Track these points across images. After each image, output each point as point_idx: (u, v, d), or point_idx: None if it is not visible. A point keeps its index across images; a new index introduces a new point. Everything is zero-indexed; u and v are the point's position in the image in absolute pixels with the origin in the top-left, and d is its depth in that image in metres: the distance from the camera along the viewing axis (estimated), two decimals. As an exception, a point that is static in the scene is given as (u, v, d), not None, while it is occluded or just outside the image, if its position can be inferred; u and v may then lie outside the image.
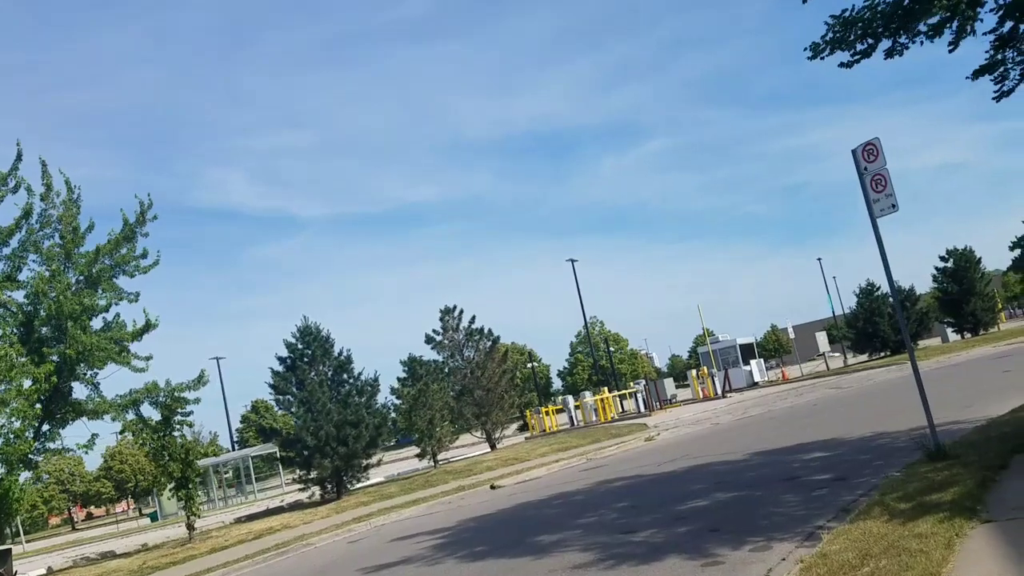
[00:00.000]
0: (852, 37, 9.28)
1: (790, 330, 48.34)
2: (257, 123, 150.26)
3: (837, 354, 56.68)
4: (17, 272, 19.13)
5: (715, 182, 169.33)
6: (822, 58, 9.58)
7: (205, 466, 43.69)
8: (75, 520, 71.32)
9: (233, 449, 57.22)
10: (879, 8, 8.88)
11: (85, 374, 19.17)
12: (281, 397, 24.82)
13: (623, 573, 7.47)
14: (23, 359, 17.79)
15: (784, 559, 6.71)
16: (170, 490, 22.20)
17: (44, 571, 21.48)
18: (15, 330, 18.76)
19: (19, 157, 19.06)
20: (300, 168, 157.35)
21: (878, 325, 45.84)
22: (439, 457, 28.43)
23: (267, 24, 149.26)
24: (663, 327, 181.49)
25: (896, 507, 7.12)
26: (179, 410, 19.87)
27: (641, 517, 10.22)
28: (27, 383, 17.57)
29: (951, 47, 8.62)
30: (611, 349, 74.36)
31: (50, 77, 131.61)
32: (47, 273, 18.97)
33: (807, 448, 13.53)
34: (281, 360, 24.48)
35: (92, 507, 75.74)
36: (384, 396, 28.53)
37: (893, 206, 9.60)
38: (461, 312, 31.62)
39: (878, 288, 47.52)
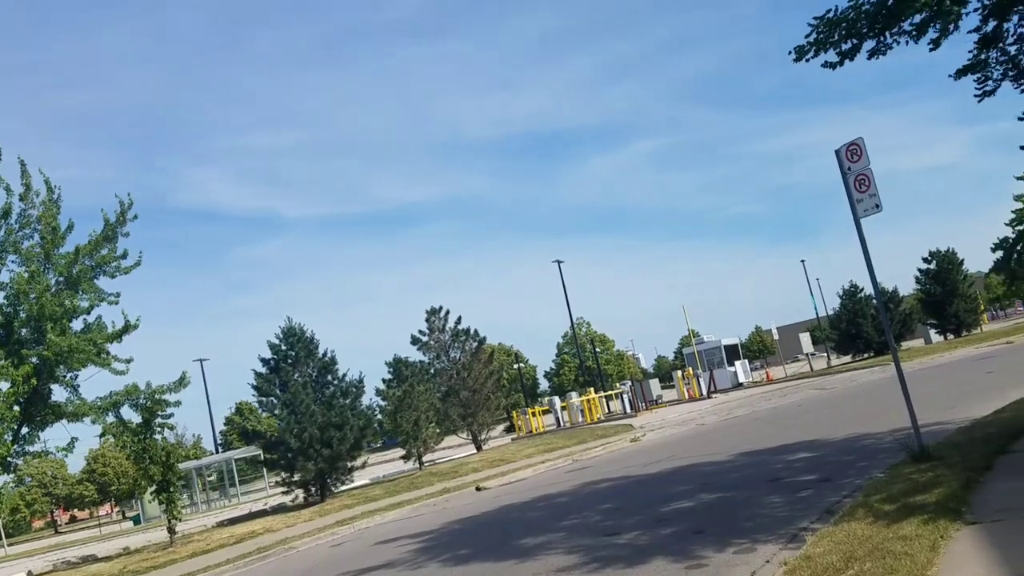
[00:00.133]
0: (836, 37, 9.26)
1: (774, 331, 48.63)
2: (253, 123, 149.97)
3: (821, 355, 56.99)
4: (-4, 272, 18.85)
5: (704, 183, 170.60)
6: (807, 60, 9.55)
7: (188, 469, 43.37)
8: (58, 523, 70.65)
9: (217, 452, 56.78)
10: (863, 8, 8.86)
11: (64, 376, 18.91)
12: (264, 399, 24.58)
13: (607, 576, 7.40)
14: (1, 361, 17.54)
15: (768, 561, 6.66)
16: (151, 493, 21.92)
17: (24, 575, 21.21)
18: (-7, 332, 18.48)
19: (-3, 156, 18.78)
20: (290, 167, 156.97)
21: (861, 326, 46.11)
22: (425, 459, 28.27)
23: (264, 23, 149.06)
24: (649, 328, 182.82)
25: (880, 509, 7.08)
26: (160, 412, 19.62)
27: (626, 519, 10.16)
28: (5, 385, 17.31)
29: (932, 46, 8.61)
30: (597, 350, 74.43)
31: (43, 77, 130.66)
32: (26, 274, 18.70)
33: (792, 449, 13.53)
34: (264, 361, 24.25)
35: (75, 510, 74.96)
36: (370, 398, 28.39)
37: (877, 206, 9.59)
38: (447, 313, 31.52)
39: (861, 290, 47.83)
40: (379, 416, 28.97)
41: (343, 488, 24.86)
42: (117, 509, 68.44)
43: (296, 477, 23.53)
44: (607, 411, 39.73)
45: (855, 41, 9.24)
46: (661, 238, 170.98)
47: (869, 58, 9.36)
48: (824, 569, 5.69)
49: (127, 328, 19.38)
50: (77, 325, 19.31)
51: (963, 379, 21.30)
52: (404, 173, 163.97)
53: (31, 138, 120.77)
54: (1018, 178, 20.35)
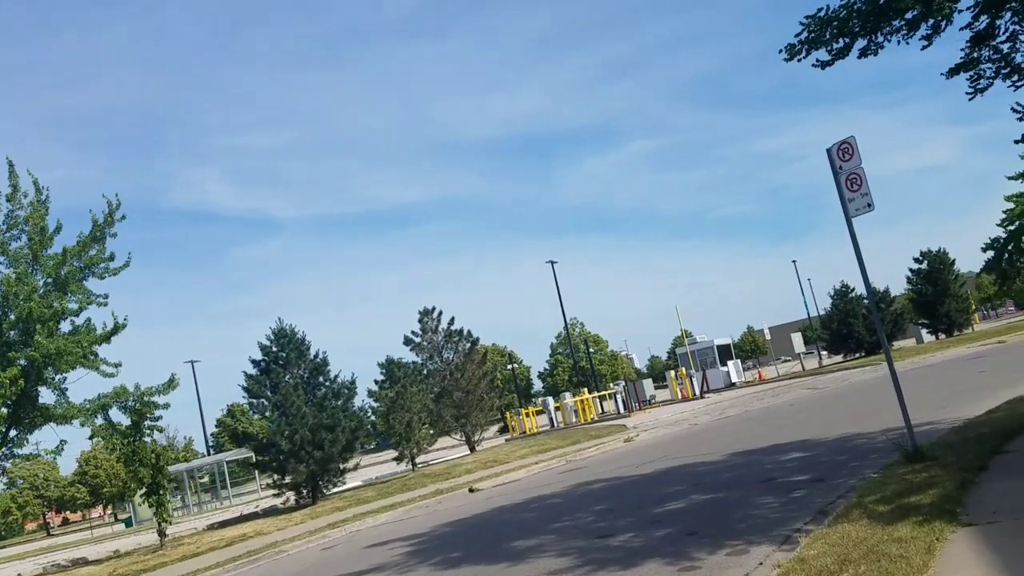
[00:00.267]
0: (828, 36, 9.22)
1: (766, 331, 48.72)
2: (252, 123, 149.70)
3: (812, 354, 57.12)
4: (-17, 274, 18.68)
5: (696, 183, 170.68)
6: (799, 59, 9.52)
7: (180, 471, 43.15)
8: (50, 526, 70.30)
9: (209, 454, 56.54)
10: (855, 6, 8.82)
11: (52, 379, 18.75)
12: (255, 401, 24.42)
13: (599, 579, 7.32)
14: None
15: (761, 563, 6.59)
16: (141, 496, 21.76)
17: (12, 580, 21.02)
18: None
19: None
20: (288, 167, 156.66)
21: (852, 326, 46.22)
22: (418, 460, 28.18)
23: (263, 23, 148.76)
24: (643, 328, 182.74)
25: (875, 510, 7.02)
26: (149, 415, 19.46)
27: (619, 520, 10.09)
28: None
29: (924, 43, 8.58)
30: (591, 350, 74.42)
31: (42, 77, 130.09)
32: (14, 276, 18.53)
33: (784, 449, 13.48)
34: (255, 363, 24.09)
35: (68, 512, 74.55)
36: (362, 399, 28.28)
37: (869, 205, 9.53)
38: (440, 313, 31.45)
39: (852, 289, 47.98)
40: (372, 417, 28.83)
41: (335, 490, 24.73)
42: (109, 511, 68.07)
43: (287, 479, 23.38)
44: (601, 411, 39.72)
45: (847, 40, 9.21)
46: (653, 239, 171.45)
47: (860, 57, 9.35)
48: (818, 572, 5.62)
49: (116, 329, 19.23)
50: (65, 327, 19.19)
51: (955, 379, 21.30)
52: (403, 173, 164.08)
53: (30, 138, 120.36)
54: (1010, 178, 20.35)
